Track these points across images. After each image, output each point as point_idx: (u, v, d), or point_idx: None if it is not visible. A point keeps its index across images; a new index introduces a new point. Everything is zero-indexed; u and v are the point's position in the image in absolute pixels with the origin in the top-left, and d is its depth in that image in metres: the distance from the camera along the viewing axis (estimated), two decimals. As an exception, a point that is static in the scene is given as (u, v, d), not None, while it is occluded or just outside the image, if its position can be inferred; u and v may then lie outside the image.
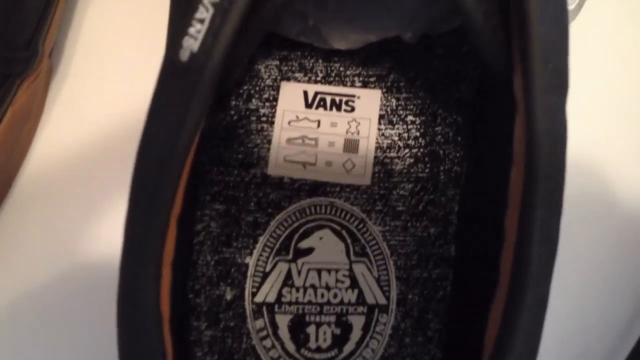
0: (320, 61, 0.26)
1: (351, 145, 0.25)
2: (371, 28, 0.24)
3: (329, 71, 0.25)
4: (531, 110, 0.17)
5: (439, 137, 0.24)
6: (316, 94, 0.25)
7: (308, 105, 0.25)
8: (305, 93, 0.25)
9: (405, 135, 0.25)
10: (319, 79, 0.25)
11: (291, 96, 0.25)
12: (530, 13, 0.17)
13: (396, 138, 0.25)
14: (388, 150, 0.25)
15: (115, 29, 0.28)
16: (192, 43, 0.18)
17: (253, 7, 0.18)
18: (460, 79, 0.25)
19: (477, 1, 0.18)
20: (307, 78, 0.25)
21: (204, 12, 0.18)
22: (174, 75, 0.19)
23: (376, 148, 0.25)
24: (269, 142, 0.25)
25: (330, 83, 0.26)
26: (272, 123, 0.25)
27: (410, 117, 0.25)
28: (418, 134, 0.25)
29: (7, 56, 0.25)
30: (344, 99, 0.25)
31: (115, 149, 0.27)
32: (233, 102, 0.25)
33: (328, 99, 0.25)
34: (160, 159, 0.17)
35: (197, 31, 0.18)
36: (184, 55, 0.18)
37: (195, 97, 0.17)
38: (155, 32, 0.27)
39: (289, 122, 0.25)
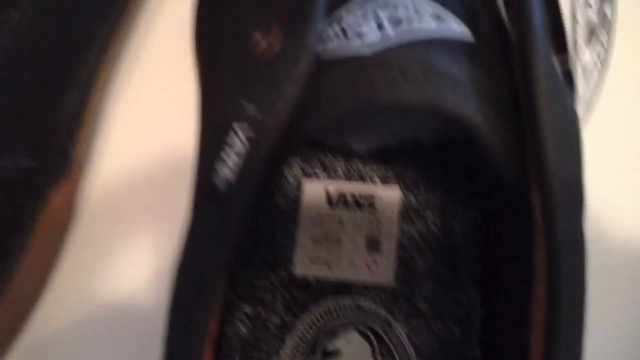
0: (340, 159, 0.26)
1: (374, 244, 0.26)
2: (389, 133, 0.25)
3: (349, 169, 0.26)
4: (553, 234, 0.18)
5: (459, 235, 0.25)
6: (338, 192, 0.26)
7: (330, 204, 0.26)
8: (327, 192, 0.26)
9: (425, 232, 0.25)
10: (340, 176, 0.26)
11: (314, 195, 0.26)
12: (545, 141, 0.18)
13: (416, 235, 0.25)
14: (409, 248, 0.25)
15: (143, 138, 0.29)
16: (227, 172, 0.19)
17: (285, 138, 0.19)
18: (476, 177, 0.26)
19: (488, 120, 0.19)
20: (327, 174, 0.26)
21: (240, 146, 0.19)
22: (210, 200, 0.20)
23: (398, 246, 0.25)
24: (294, 241, 0.25)
25: (350, 180, 0.26)
26: (296, 222, 0.26)
27: (429, 215, 0.25)
28: (438, 231, 0.25)
29: (40, 164, 0.26)
30: (365, 197, 0.26)
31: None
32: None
33: (349, 197, 0.26)
34: (198, 288, 0.18)
35: (234, 164, 0.19)
36: (220, 183, 0.19)
37: (232, 226, 0.18)
38: (180, 142, 0.28)
39: (313, 221, 0.26)
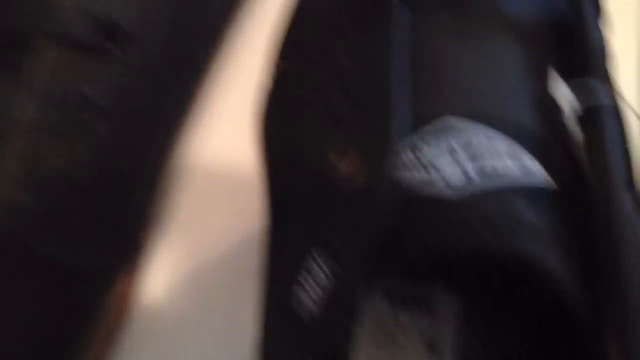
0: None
1: (431, 347, 0.26)
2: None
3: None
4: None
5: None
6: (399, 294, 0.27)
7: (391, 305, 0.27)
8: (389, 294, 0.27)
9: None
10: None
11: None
12: (629, 301, 0.18)
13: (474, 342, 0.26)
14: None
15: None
16: (310, 304, 0.19)
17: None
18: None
19: (567, 271, 0.19)
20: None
21: (324, 278, 0.19)
22: (290, 325, 0.20)
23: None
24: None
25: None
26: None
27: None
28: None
29: (109, 253, 0.27)
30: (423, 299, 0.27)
31: None
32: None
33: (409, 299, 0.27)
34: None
35: (317, 296, 0.19)
36: (303, 313, 0.19)
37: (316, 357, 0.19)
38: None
39: (377, 324, 0.26)
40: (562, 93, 0.21)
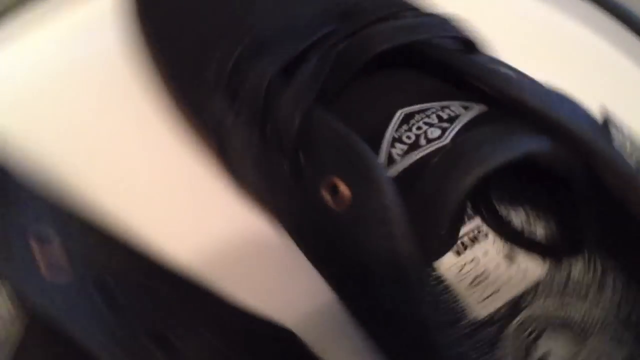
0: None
1: (510, 258, 0.29)
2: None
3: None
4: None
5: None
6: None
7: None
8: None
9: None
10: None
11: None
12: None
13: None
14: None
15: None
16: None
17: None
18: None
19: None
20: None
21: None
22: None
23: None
24: (456, 295, 0.29)
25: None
26: (446, 280, 0.29)
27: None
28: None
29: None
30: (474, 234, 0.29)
31: None
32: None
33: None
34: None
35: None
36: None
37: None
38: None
39: (457, 274, 0.29)
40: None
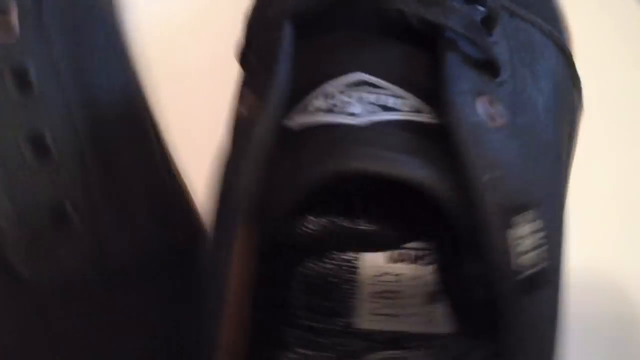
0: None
1: (430, 297, 0.26)
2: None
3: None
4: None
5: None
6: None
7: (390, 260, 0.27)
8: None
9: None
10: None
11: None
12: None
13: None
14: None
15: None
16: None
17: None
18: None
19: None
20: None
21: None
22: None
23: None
24: (356, 293, 0.27)
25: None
26: (358, 274, 0.27)
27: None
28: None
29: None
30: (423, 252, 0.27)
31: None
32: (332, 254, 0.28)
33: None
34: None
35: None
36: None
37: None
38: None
39: (373, 276, 0.27)
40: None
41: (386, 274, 0.27)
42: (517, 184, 0.20)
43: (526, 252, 0.20)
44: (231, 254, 0.19)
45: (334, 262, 0.27)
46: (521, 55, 0.24)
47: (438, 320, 0.26)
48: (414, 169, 0.19)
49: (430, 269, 0.27)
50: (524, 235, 0.20)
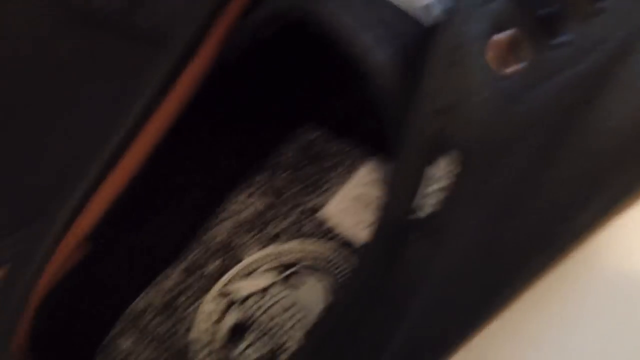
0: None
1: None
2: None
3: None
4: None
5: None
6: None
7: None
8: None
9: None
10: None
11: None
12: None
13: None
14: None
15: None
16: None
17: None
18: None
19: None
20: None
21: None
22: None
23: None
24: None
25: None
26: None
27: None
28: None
29: None
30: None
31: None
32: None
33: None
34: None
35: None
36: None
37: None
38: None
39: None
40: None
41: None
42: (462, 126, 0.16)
43: (423, 196, 0.17)
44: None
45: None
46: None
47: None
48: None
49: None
50: (436, 176, 0.17)
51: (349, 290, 0.16)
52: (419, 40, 0.17)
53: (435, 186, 0.17)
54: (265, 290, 0.25)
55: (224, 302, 0.25)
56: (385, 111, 0.17)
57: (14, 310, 0.17)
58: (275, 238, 0.25)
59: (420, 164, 0.16)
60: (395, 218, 0.16)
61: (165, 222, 0.25)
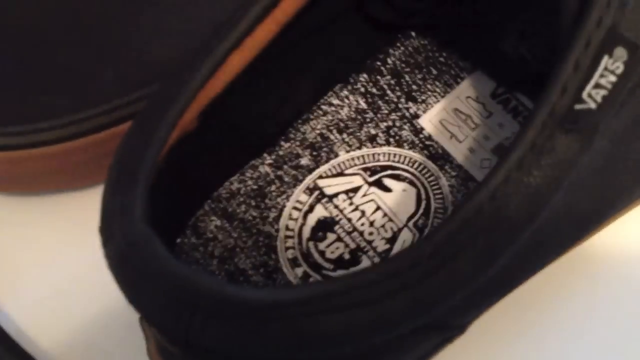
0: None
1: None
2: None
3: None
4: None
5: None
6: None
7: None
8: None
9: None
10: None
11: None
12: None
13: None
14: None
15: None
16: None
17: None
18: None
19: None
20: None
21: None
22: None
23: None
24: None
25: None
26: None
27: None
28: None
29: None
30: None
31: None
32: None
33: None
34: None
35: None
36: None
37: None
38: None
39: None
40: None
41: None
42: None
43: (596, 86, 0.17)
44: None
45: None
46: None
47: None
48: None
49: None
50: (606, 69, 0.17)
51: (489, 182, 0.16)
52: None
53: (611, 77, 0.16)
54: (355, 190, 0.25)
55: (314, 195, 0.25)
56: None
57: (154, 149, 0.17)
58: (369, 140, 0.25)
59: (598, 52, 0.16)
60: (560, 103, 0.16)
61: (265, 110, 0.25)
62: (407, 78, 0.26)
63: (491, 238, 0.16)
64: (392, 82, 0.26)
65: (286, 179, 0.25)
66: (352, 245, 0.24)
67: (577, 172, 0.17)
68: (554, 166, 0.16)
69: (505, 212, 0.16)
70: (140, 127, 0.18)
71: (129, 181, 0.17)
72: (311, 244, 0.24)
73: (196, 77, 0.18)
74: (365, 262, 0.23)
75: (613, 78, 0.16)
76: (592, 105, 0.16)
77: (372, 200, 0.25)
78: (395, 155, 0.25)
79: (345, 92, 0.26)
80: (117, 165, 0.18)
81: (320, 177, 0.25)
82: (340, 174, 0.25)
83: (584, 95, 0.16)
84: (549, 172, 0.16)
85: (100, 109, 0.25)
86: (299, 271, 0.24)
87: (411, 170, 0.25)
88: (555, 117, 0.16)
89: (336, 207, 0.24)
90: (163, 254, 0.16)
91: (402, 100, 0.26)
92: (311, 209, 0.25)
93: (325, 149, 0.25)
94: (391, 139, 0.25)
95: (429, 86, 0.26)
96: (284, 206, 0.25)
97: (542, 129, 0.16)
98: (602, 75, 0.16)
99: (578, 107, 0.16)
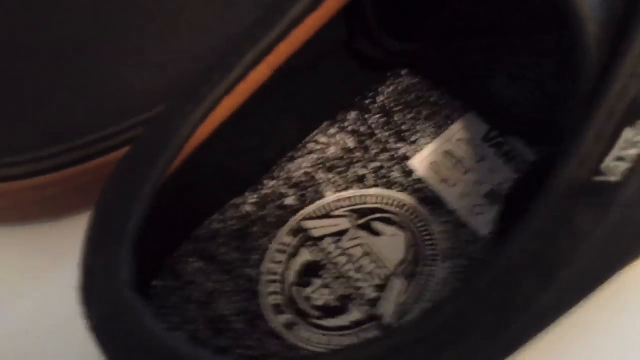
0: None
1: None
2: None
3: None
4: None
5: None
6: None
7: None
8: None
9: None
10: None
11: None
12: None
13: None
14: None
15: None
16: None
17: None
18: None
19: None
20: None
21: None
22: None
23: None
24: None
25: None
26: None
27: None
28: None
29: None
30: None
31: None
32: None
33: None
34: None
35: None
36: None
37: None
38: None
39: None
40: None
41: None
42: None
43: (617, 158, 0.16)
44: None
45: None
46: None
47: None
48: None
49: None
50: (628, 141, 0.16)
51: (512, 247, 0.16)
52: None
53: (632, 151, 0.16)
54: (342, 233, 0.24)
55: (299, 237, 0.24)
56: (586, 58, 0.15)
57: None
58: (358, 181, 0.24)
59: (620, 123, 0.15)
60: (578, 175, 0.15)
61: (248, 147, 0.24)
62: (397, 118, 0.25)
63: (502, 313, 0.15)
64: (382, 121, 0.25)
65: (270, 220, 0.24)
66: (340, 292, 0.23)
67: (589, 244, 0.16)
68: (569, 238, 0.16)
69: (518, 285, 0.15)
70: (124, 178, 0.17)
71: (113, 240, 0.16)
72: (295, 289, 0.23)
73: (186, 125, 0.17)
74: (353, 311, 0.22)
75: (634, 151, 0.16)
76: (612, 178, 0.16)
77: (359, 244, 0.24)
78: (384, 197, 0.24)
79: (333, 131, 0.25)
80: (100, 219, 0.16)
81: (306, 218, 0.24)
82: (327, 215, 0.24)
83: (603, 167, 0.16)
84: (564, 244, 0.16)
85: (73, 144, 0.23)
86: (283, 318, 0.22)
87: (401, 213, 0.24)
88: (572, 189, 0.15)
89: (322, 250, 0.23)
90: (151, 325, 0.15)
91: (392, 140, 0.25)
92: (296, 252, 0.23)
93: (311, 189, 0.24)
94: (380, 181, 0.24)
95: (419, 127, 0.25)
96: (267, 248, 0.24)
97: (559, 201, 0.15)
98: (623, 148, 0.16)
99: (597, 179, 0.15)
